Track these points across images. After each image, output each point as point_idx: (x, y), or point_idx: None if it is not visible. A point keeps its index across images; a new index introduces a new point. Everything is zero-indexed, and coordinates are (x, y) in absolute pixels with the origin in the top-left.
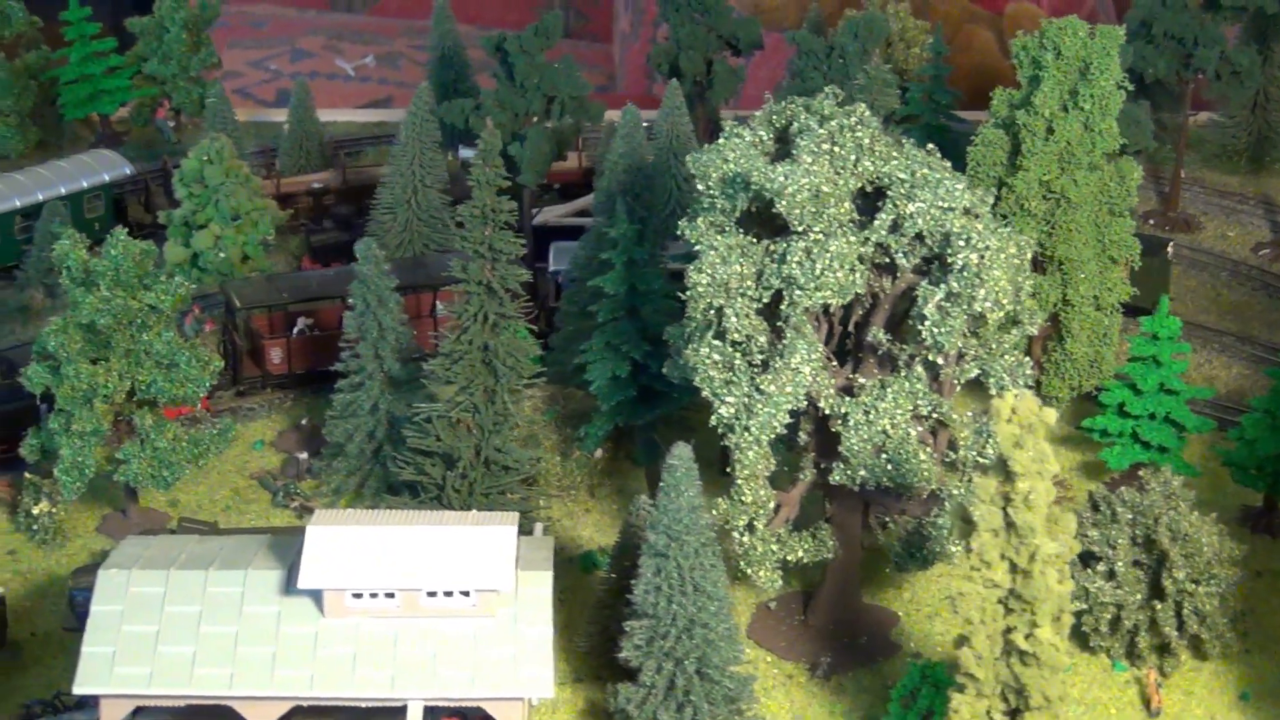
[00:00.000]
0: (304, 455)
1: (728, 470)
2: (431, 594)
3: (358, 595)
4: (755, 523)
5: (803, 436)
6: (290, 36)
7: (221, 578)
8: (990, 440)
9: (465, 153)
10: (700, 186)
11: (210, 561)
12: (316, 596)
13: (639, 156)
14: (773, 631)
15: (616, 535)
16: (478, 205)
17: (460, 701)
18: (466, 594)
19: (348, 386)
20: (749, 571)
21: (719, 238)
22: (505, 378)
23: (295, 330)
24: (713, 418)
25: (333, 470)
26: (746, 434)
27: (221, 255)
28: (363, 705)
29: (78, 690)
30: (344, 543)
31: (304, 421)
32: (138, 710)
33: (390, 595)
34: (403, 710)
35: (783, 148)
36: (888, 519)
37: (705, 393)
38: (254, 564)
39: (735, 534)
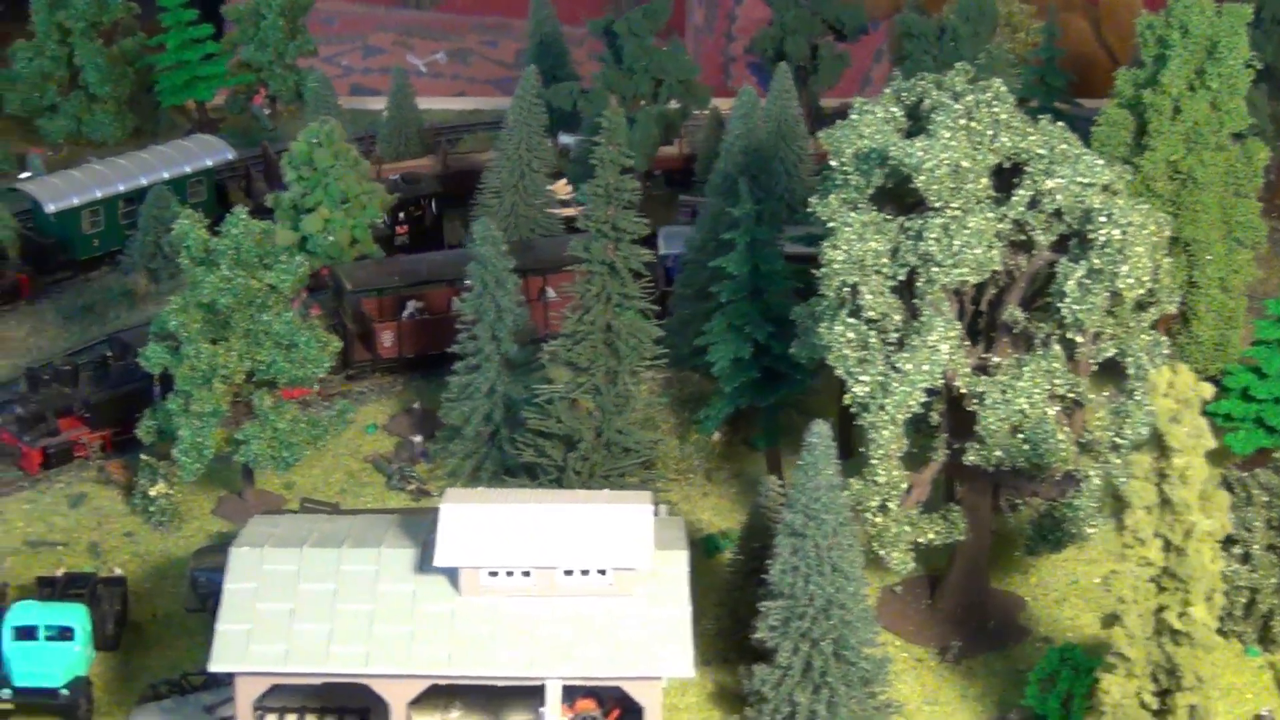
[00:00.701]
0: (418, 439)
1: (859, 451)
2: (568, 573)
3: (494, 574)
4: (888, 503)
5: (934, 416)
6: (360, 33)
7: (355, 556)
8: (1128, 421)
9: (565, 139)
10: (834, 163)
11: (342, 540)
12: (452, 575)
13: (755, 138)
14: (899, 615)
15: (736, 519)
16: (601, 184)
17: (598, 681)
18: (603, 573)
19: (464, 369)
20: (882, 553)
21: (852, 214)
22: (628, 358)
23: (405, 314)
24: (846, 397)
25: (448, 453)
26: (882, 413)
27: (330, 239)
28: (500, 684)
29: (213, 668)
30: (479, 521)
31: (416, 405)
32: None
33: (526, 574)
34: (537, 690)
35: (914, 124)
36: (1019, 501)
37: (839, 371)
38: (387, 542)
39: (868, 515)
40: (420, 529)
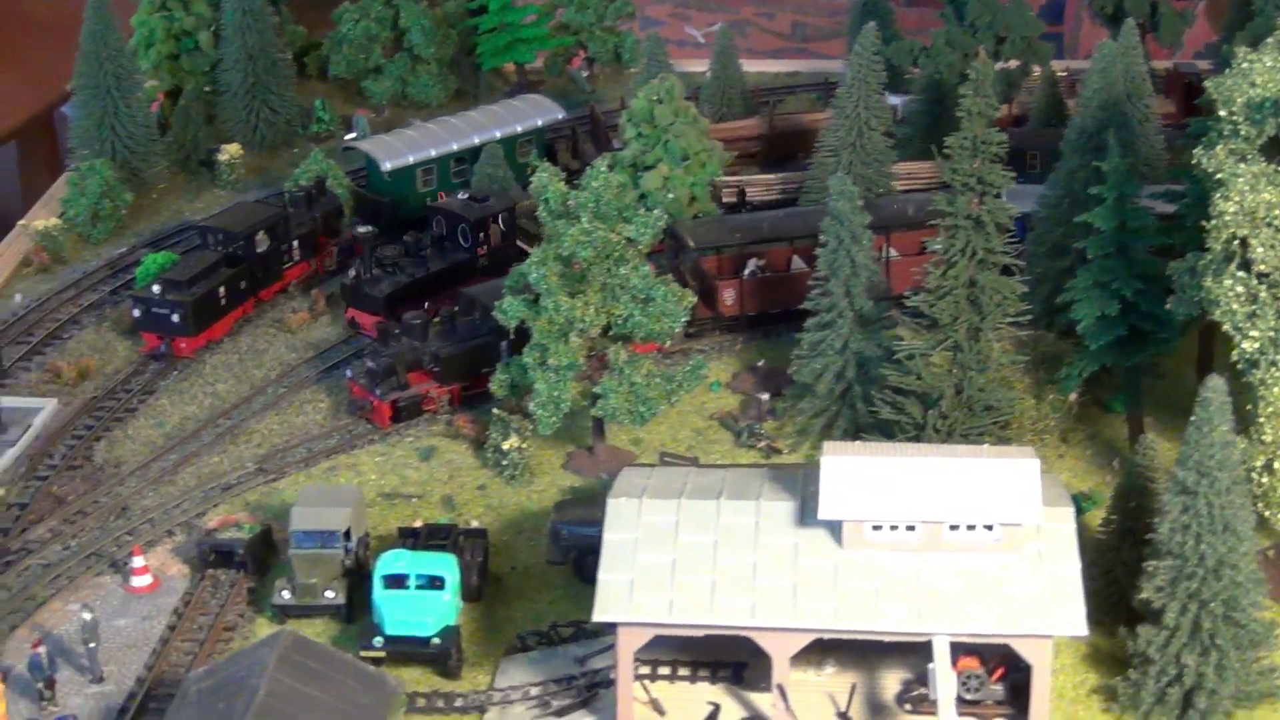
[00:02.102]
0: (765, 396)
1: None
2: (953, 527)
3: (877, 528)
4: (1274, 463)
5: None
6: (639, 4)
7: (734, 508)
8: None
9: (892, 99)
10: (1222, 112)
11: (718, 492)
12: (834, 528)
13: (1114, 93)
14: (1273, 579)
15: (1092, 480)
16: (967, 137)
17: (988, 638)
18: (990, 528)
19: (815, 325)
20: (1267, 514)
21: (1242, 165)
22: (990, 315)
23: (746, 272)
24: (1234, 352)
25: (798, 411)
26: (1273, 369)
27: (670, 196)
28: (885, 640)
29: (597, 618)
30: (863, 474)
31: (760, 363)
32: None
33: (911, 528)
34: (911, 648)
35: None
36: None
37: (1226, 327)
38: (764, 495)
39: (1253, 474)
40: (794, 482)
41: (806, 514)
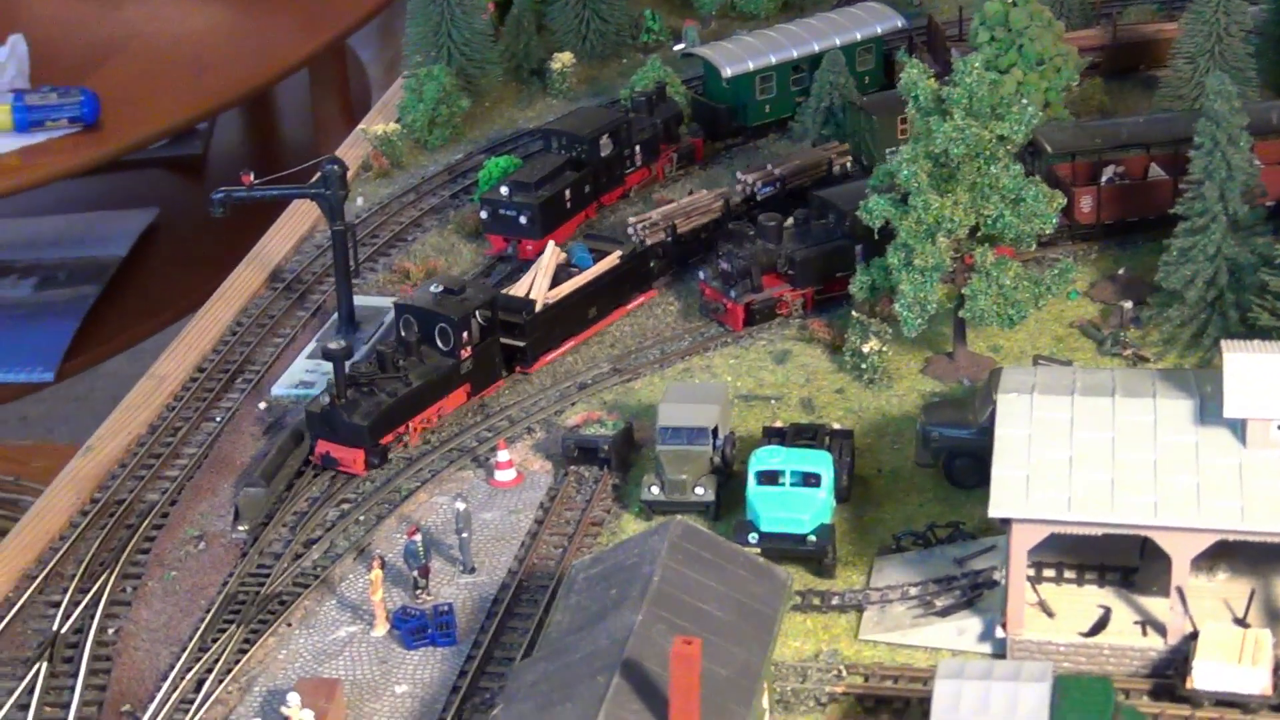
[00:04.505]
0: (1129, 304)
1: None
2: None
3: None
4: None
5: None
6: None
7: (1130, 406)
8: None
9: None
10: None
11: (1110, 390)
12: (1237, 427)
13: None
14: None
15: None
16: None
17: None
18: None
19: (1186, 231)
20: None
21: None
22: None
23: (1104, 179)
24: None
25: (1164, 319)
26: None
27: (1025, 102)
28: None
29: (993, 514)
30: (1269, 371)
31: (1121, 271)
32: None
33: None
34: None
35: None
36: None
37: None
38: (1159, 394)
39: None
40: (1188, 382)
41: (1206, 413)
